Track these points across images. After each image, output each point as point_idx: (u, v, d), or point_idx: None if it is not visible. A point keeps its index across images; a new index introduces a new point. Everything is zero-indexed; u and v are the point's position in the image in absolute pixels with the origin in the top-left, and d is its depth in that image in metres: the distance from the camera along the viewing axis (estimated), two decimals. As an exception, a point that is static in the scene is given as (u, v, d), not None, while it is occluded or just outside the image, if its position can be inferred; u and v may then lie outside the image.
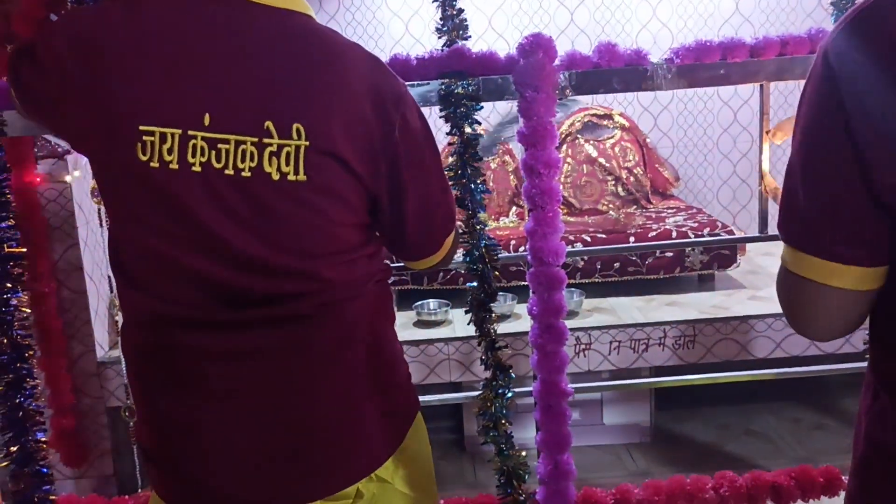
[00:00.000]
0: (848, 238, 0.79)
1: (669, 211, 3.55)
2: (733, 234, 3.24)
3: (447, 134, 1.68)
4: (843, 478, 1.95)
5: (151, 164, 0.92)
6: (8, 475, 1.69)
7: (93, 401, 2.67)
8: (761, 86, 2.00)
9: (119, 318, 2.01)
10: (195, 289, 0.97)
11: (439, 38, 1.72)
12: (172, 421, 1.02)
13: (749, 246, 3.57)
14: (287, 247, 0.96)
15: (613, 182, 3.69)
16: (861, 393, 0.92)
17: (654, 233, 3.15)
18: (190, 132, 0.92)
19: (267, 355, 1.00)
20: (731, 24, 3.86)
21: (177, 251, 0.95)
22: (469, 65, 1.65)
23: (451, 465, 2.97)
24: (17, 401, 1.67)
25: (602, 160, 3.68)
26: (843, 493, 1.65)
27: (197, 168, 0.92)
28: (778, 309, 0.94)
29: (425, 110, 1.18)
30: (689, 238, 3.07)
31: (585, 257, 3.10)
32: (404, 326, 2.91)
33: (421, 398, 1.21)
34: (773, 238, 1.91)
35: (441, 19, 1.71)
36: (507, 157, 3.69)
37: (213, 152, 0.92)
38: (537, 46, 1.59)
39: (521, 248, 2.95)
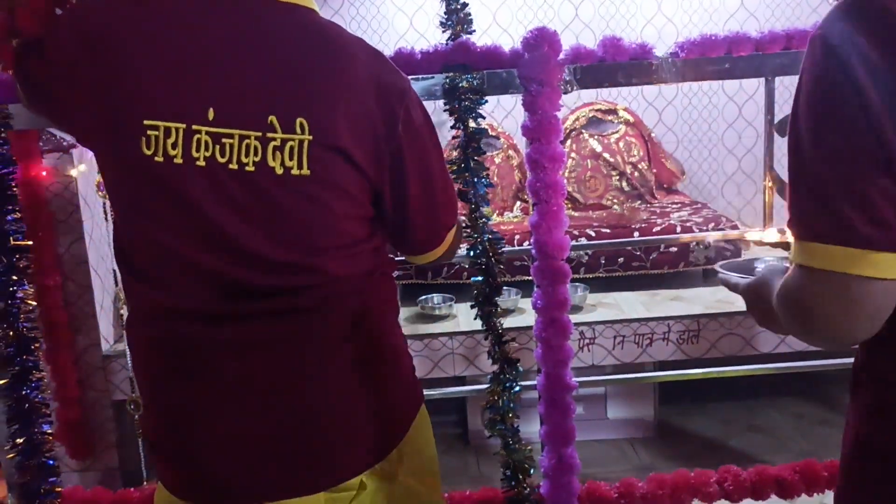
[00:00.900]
0: (876, 222, 0.75)
1: (674, 206, 3.54)
2: (738, 228, 3.24)
3: (451, 128, 1.68)
4: (847, 473, 1.94)
5: (156, 158, 0.92)
6: (14, 467, 1.69)
7: (98, 394, 2.68)
8: (767, 80, 1.99)
9: (124, 311, 2.02)
10: (200, 281, 0.97)
11: (443, 32, 1.72)
12: (179, 412, 1.03)
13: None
14: (291, 240, 0.97)
15: (618, 177, 3.68)
16: (850, 388, 0.91)
17: (658, 228, 3.14)
18: (194, 127, 0.92)
19: (272, 347, 1.00)
20: (737, 19, 3.84)
21: (182, 244, 0.95)
22: (473, 59, 1.65)
23: (455, 459, 2.98)
24: (24, 393, 1.67)
25: (606, 155, 3.67)
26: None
27: (201, 162, 0.93)
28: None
29: (429, 104, 1.18)
30: (694, 233, 3.06)
31: (589, 252, 3.10)
32: (408, 321, 2.91)
33: (425, 392, 1.22)
34: (777, 233, 1.90)
35: (445, 13, 1.71)
36: (511, 152, 3.68)
37: (217, 147, 0.92)
38: (542, 40, 1.59)
39: (526, 243, 2.95)
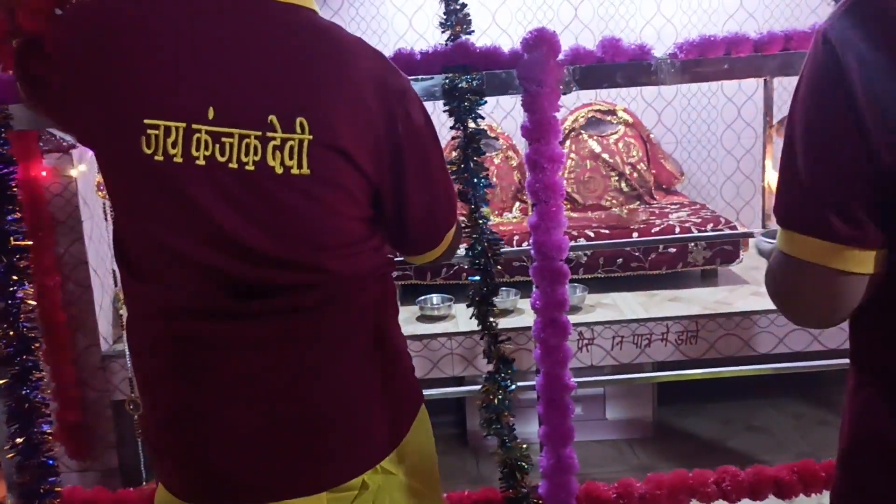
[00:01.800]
0: (849, 219, 0.79)
1: (673, 206, 3.55)
2: (736, 229, 3.24)
3: (451, 128, 1.68)
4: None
5: (156, 157, 0.92)
6: (14, 467, 1.69)
7: (98, 394, 2.68)
8: (765, 81, 1.99)
9: (124, 311, 2.02)
10: (201, 280, 0.97)
11: (443, 32, 1.72)
12: (180, 412, 1.03)
13: (752, 241, 3.57)
14: (292, 239, 0.97)
15: (617, 177, 3.69)
16: (845, 385, 0.92)
17: (657, 228, 3.15)
18: (194, 126, 0.92)
19: (273, 346, 1.01)
20: (736, 20, 3.85)
21: (183, 243, 0.96)
22: (473, 59, 1.66)
23: (454, 460, 2.98)
24: (24, 393, 1.67)
25: (605, 156, 3.68)
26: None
27: (201, 162, 0.93)
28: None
29: (429, 104, 1.18)
30: (693, 234, 3.07)
31: (588, 252, 3.10)
32: (407, 321, 2.91)
33: (424, 392, 1.22)
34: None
35: (445, 14, 1.71)
36: (510, 153, 3.69)
37: (217, 146, 0.93)
38: (541, 41, 1.60)
39: (525, 244, 2.95)
